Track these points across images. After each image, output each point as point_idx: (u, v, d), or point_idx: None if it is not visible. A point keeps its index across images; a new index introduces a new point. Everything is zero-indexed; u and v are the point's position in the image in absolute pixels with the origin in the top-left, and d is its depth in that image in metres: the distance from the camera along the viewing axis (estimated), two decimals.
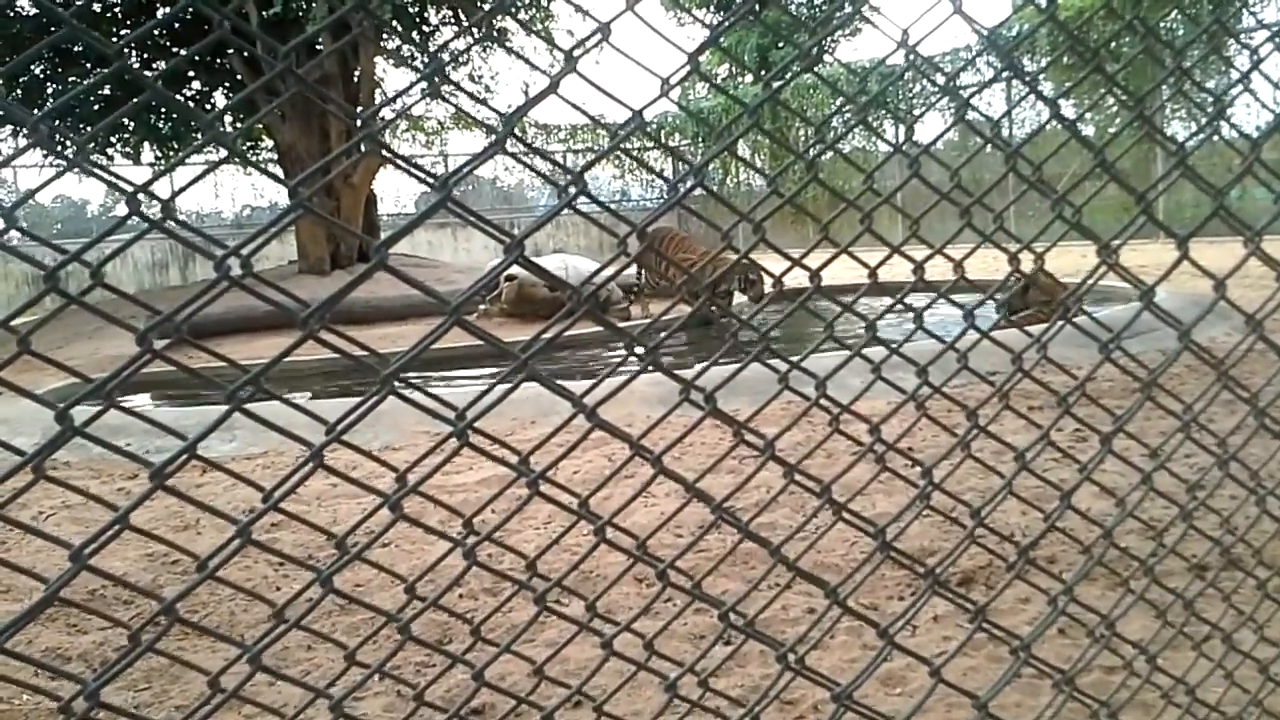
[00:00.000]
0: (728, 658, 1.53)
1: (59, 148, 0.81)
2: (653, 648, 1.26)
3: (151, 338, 0.79)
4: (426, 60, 0.93)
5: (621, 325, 1.09)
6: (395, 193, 25.28)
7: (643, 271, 11.68)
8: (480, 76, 17.55)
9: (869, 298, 1.38)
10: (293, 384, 8.22)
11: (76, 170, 0.82)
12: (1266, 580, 1.75)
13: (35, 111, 0.78)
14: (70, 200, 25.54)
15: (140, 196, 0.81)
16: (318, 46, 11.96)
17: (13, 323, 0.82)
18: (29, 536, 3.52)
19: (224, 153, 0.85)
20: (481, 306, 11.38)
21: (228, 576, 0.95)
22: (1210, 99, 1.52)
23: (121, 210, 0.80)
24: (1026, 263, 1.38)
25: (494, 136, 0.93)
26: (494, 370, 8.49)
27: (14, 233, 0.86)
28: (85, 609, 0.99)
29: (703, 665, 1.32)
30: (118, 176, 0.84)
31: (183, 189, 0.97)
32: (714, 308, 1.12)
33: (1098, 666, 2.28)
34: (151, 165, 17.94)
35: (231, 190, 23.97)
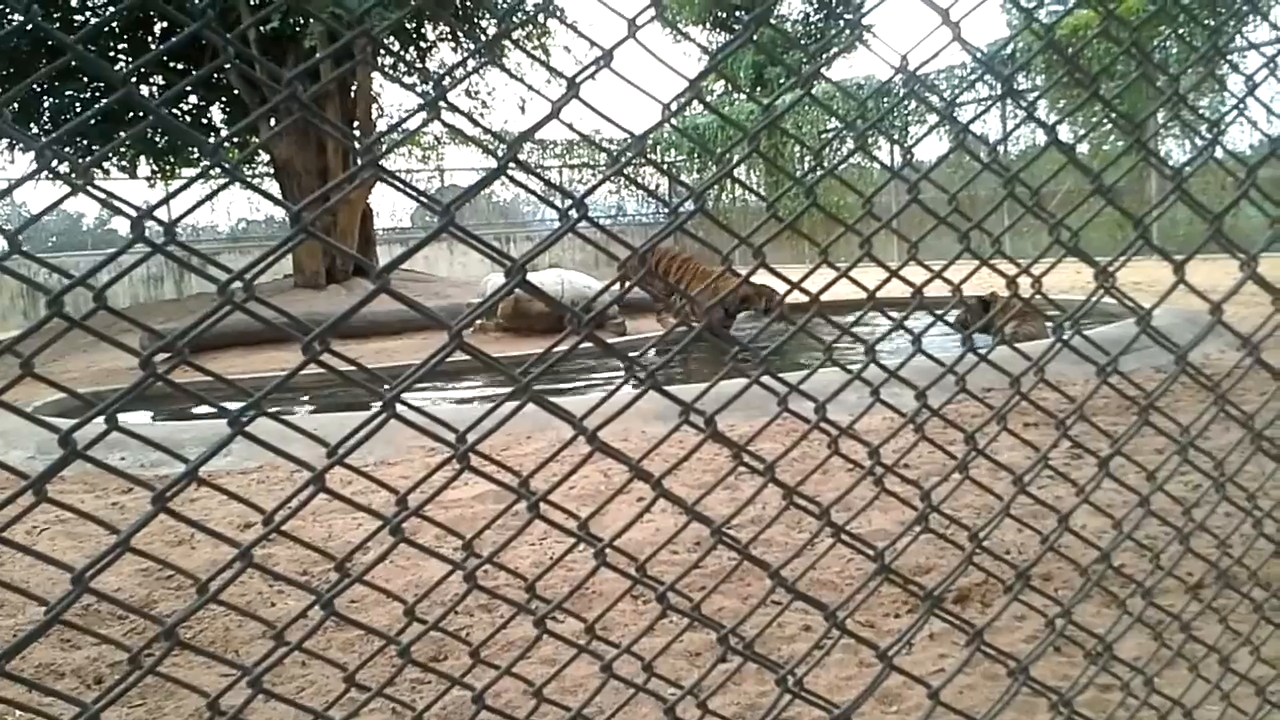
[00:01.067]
0: (727, 679, 1.53)
1: (60, 168, 0.81)
2: (651, 669, 1.26)
3: (155, 361, 0.79)
4: (423, 77, 0.94)
5: (617, 342, 1.10)
6: (391, 207, 25.30)
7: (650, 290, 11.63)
8: (477, 92, 17.57)
9: (866, 315, 1.38)
10: (293, 395, 8.22)
11: (70, 187, 0.82)
12: (1263, 601, 1.75)
13: (32, 125, 0.79)
14: (66, 214, 25.50)
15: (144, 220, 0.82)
16: (315, 55, 11.96)
17: (11, 339, 0.82)
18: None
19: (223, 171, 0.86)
20: (478, 321, 11.38)
21: (222, 593, 0.94)
22: (1204, 122, 1.53)
23: (117, 223, 0.81)
24: (1023, 284, 1.39)
25: (495, 163, 0.93)
26: (490, 382, 8.49)
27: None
28: (80, 629, 0.99)
29: (700, 685, 1.32)
30: (117, 197, 0.85)
31: (184, 214, 0.98)
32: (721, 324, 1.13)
33: (1094, 685, 2.28)
34: (148, 179, 17.93)
35: (227, 204, 23.97)
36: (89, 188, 0.79)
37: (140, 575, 3.61)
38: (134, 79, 0.83)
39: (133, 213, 0.79)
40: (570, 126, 1.08)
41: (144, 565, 3.66)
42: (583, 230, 1.07)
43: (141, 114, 0.80)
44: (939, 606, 1.38)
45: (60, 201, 0.87)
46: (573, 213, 0.98)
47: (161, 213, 0.83)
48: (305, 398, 8.28)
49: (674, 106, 1.04)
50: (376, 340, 11.38)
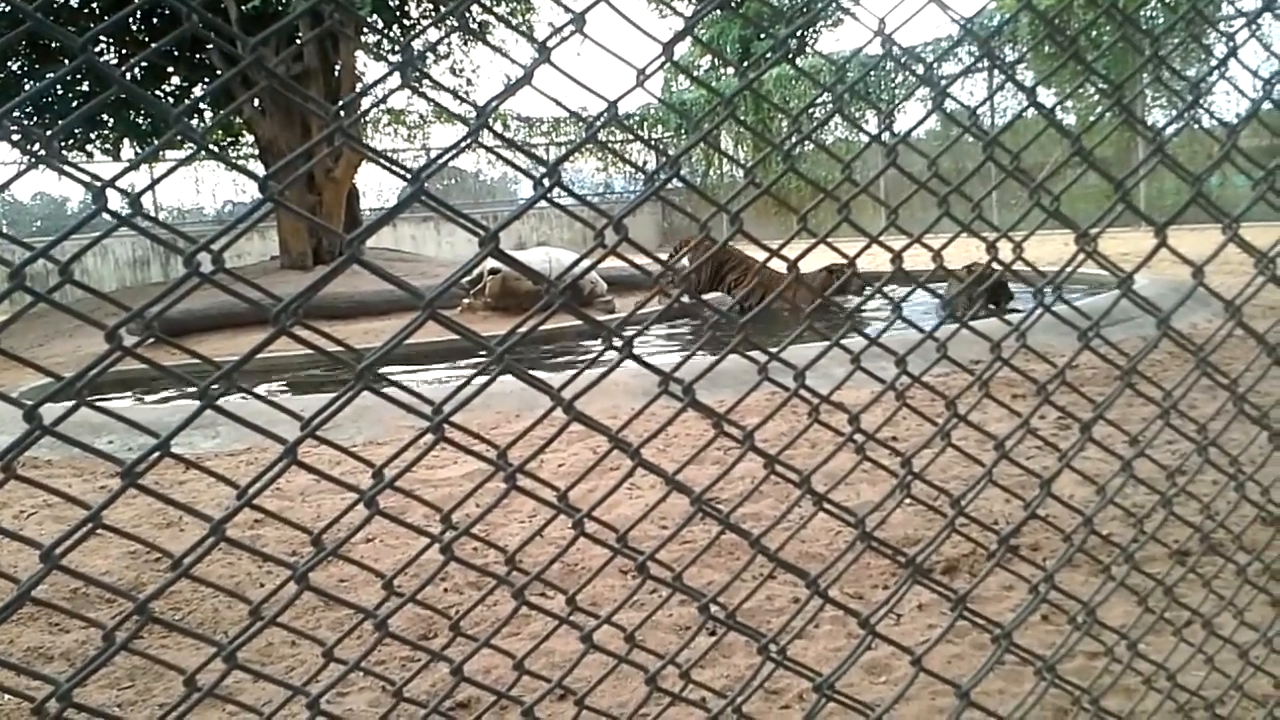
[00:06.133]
0: (710, 648, 1.53)
1: (29, 144, 0.79)
2: (634, 640, 1.26)
3: (121, 335, 0.78)
4: (406, 55, 0.92)
5: (601, 318, 1.09)
6: (378, 187, 25.17)
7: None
8: (461, 70, 17.52)
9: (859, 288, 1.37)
10: (280, 378, 8.18)
11: (45, 167, 0.81)
12: (1246, 565, 1.76)
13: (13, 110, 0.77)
14: (49, 197, 25.35)
15: (112, 193, 0.80)
16: (297, 39, 11.89)
17: None
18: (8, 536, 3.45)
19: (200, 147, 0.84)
20: (465, 300, 11.34)
21: (211, 574, 0.94)
22: (1188, 87, 1.52)
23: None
24: (1005, 251, 1.38)
25: (479, 141, 0.92)
26: (481, 363, 8.44)
27: None
28: (62, 610, 0.98)
29: (686, 657, 1.32)
30: (89, 174, 0.83)
31: (153, 184, 0.96)
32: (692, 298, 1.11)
33: (1080, 653, 2.29)
34: (130, 162, 17.86)
35: (213, 186, 23.89)
36: (52, 160, 0.77)
37: (129, 558, 3.60)
38: (115, 59, 0.82)
39: (96, 184, 0.77)
40: (558, 102, 1.07)
41: (131, 548, 3.65)
42: (561, 201, 1.06)
43: (121, 96, 0.79)
44: (925, 576, 1.38)
45: (21, 174, 0.86)
46: (545, 181, 0.97)
47: (139, 186, 0.82)
48: (302, 379, 8.25)
49: (648, 71, 1.03)
50: (364, 321, 11.33)
